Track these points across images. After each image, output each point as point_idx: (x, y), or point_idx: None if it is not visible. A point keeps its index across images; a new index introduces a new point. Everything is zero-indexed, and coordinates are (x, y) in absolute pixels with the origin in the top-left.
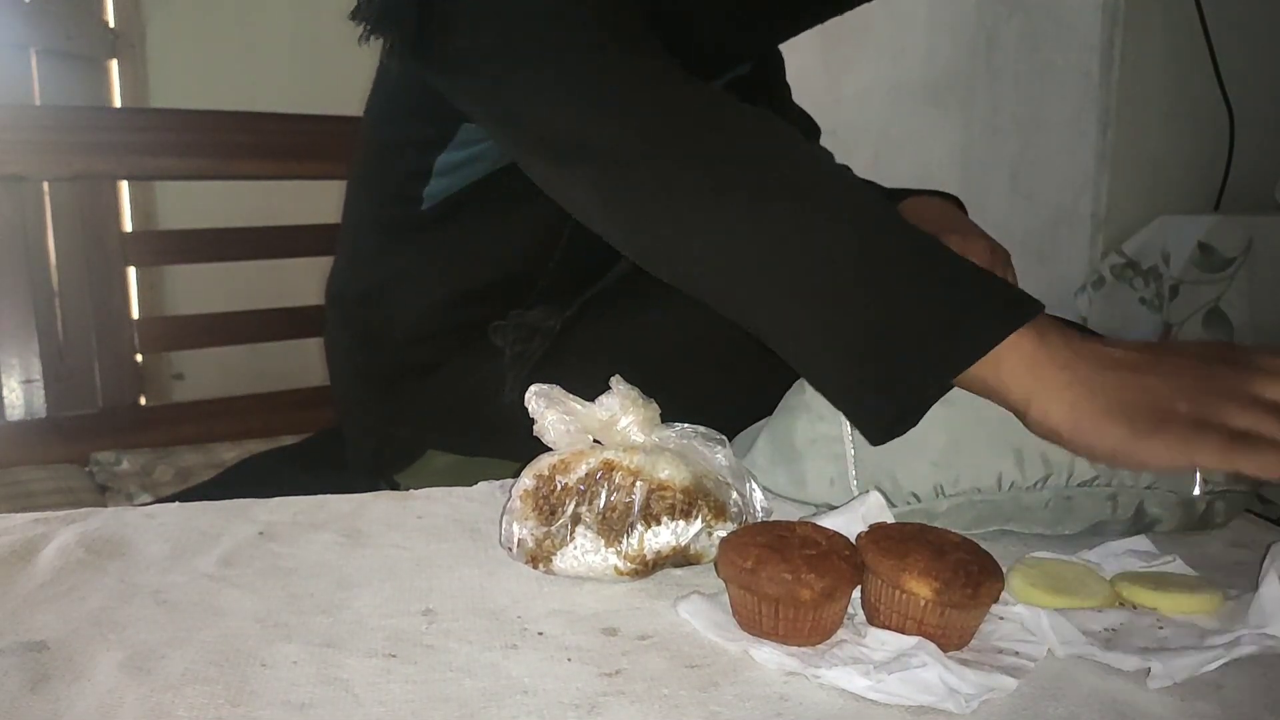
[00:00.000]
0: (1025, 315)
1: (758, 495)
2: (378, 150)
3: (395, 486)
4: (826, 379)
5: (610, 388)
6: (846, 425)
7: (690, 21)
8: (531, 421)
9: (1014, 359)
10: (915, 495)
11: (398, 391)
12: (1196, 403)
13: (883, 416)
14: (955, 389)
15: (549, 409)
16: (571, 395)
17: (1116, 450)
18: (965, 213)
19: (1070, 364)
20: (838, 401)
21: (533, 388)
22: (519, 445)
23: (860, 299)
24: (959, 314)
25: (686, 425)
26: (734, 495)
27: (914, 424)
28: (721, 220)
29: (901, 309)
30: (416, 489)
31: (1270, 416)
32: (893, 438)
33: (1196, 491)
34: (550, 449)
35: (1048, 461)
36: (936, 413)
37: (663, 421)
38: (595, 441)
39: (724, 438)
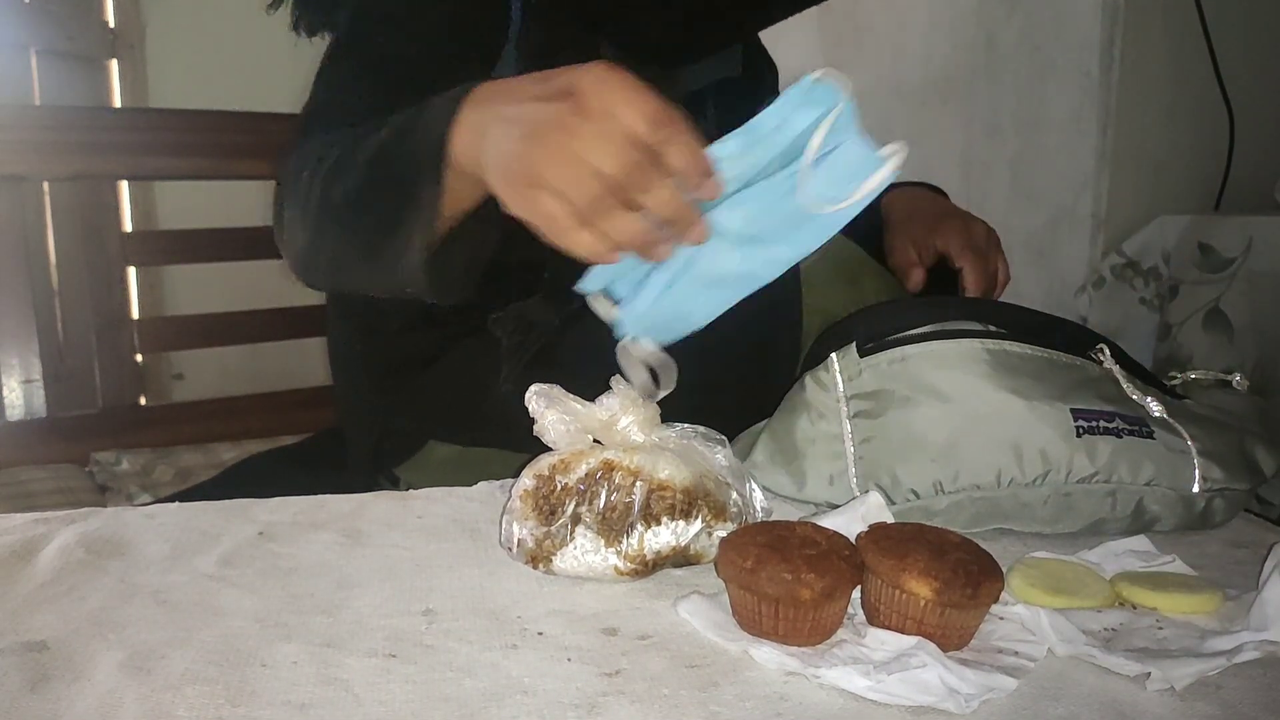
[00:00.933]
0: (461, 93)
1: (758, 495)
2: None
3: (395, 480)
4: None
5: (609, 387)
6: (847, 424)
7: (654, 12)
8: (530, 413)
9: (465, 134)
10: (915, 492)
11: (398, 382)
12: (528, 162)
13: (402, 247)
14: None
15: (549, 408)
16: (571, 395)
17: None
18: (949, 200)
19: (481, 125)
20: (405, 277)
21: (533, 387)
22: (519, 436)
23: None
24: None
25: (686, 425)
26: (734, 495)
27: (425, 237)
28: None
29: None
30: (416, 483)
31: (570, 166)
32: (411, 265)
33: (1195, 489)
34: (550, 448)
35: (1047, 458)
36: (937, 412)
37: (662, 421)
38: (595, 441)
39: (724, 438)
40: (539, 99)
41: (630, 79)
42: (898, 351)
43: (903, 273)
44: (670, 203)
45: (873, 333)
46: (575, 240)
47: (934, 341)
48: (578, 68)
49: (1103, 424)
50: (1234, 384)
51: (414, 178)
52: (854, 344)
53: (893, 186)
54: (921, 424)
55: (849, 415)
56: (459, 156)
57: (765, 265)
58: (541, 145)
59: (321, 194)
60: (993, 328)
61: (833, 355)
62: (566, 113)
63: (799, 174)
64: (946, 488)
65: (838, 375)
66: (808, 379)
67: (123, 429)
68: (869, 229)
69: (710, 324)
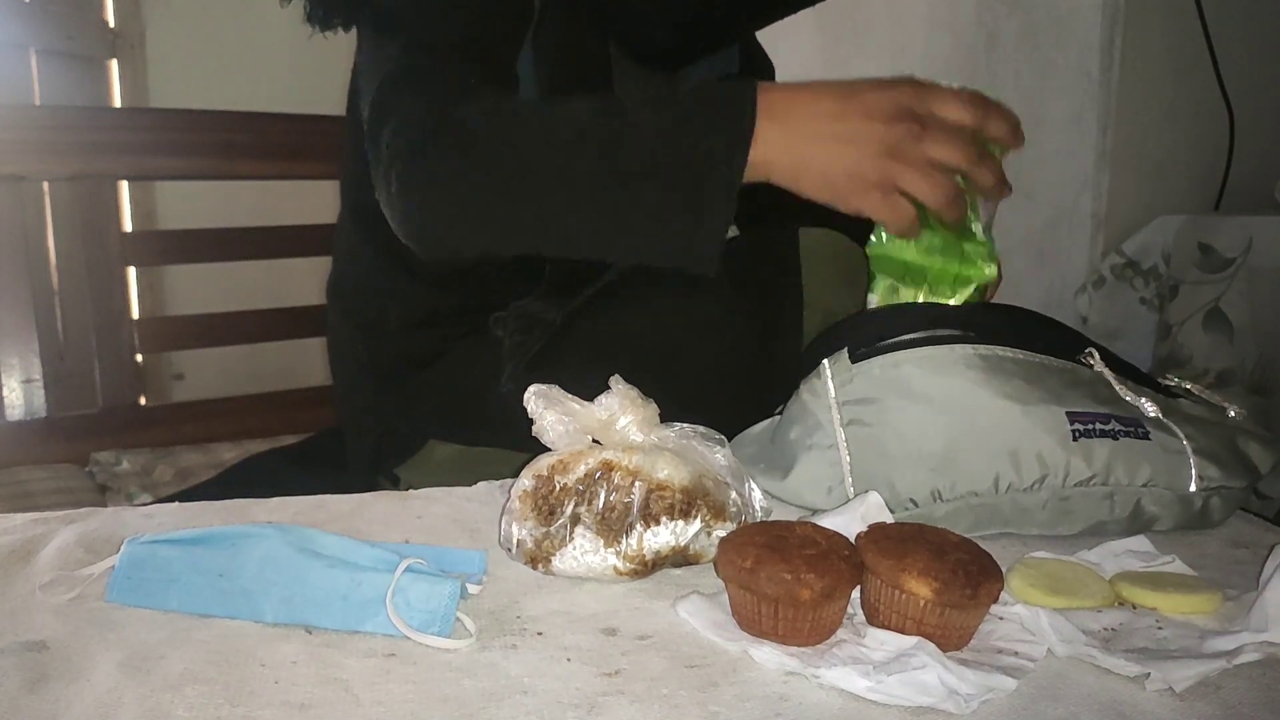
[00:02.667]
0: (750, 106)
1: (757, 495)
2: (357, 137)
3: (395, 480)
4: (646, 243)
5: (609, 387)
6: (841, 433)
7: (659, 14)
8: (530, 413)
9: (761, 148)
10: (913, 501)
11: (398, 382)
12: (881, 171)
13: (699, 239)
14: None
15: (548, 409)
16: (570, 395)
17: (832, 202)
18: None
19: (792, 128)
20: (664, 253)
21: (532, 388)
22: (519, 436)
23: (637, 172)
24: (711, 140)
25: (686, 425)
26: (733, 495)
27: (721, 234)
28: (529, 199)
29: (672, 149)
30: (416, 483)
31: (929, 174)
32: (710, 253)
33: (1192, 488)
34: (549, 449)
35: (1044, 463)
36: (932, 419)
37: (662, 421)
38: (595, 441)
39: (723, 438)
40: (868, 118)
41: (931, 83)
42: (890, 357)
43: None
44: (994, 171)
45: (864, 338)
46: (908, 235)
47: (926, 347)
48: (883, 84)
49: (1098, 426)
50: (1232, 415)
51: (705, 175)
52: (845, 350)
53: None
54: (916, 432)
55: (843, 423)
56: (759, 160)
57: None
58: (897, 159)
59: (550, 177)
60: (983, 334)
61: (824, 361)
62: (913, 131)
63: None
64: (945, 495)
65: (829, 381)
66: (802, 387)
67: (123, 429)
68: (868, 224)
69: (708, 323)
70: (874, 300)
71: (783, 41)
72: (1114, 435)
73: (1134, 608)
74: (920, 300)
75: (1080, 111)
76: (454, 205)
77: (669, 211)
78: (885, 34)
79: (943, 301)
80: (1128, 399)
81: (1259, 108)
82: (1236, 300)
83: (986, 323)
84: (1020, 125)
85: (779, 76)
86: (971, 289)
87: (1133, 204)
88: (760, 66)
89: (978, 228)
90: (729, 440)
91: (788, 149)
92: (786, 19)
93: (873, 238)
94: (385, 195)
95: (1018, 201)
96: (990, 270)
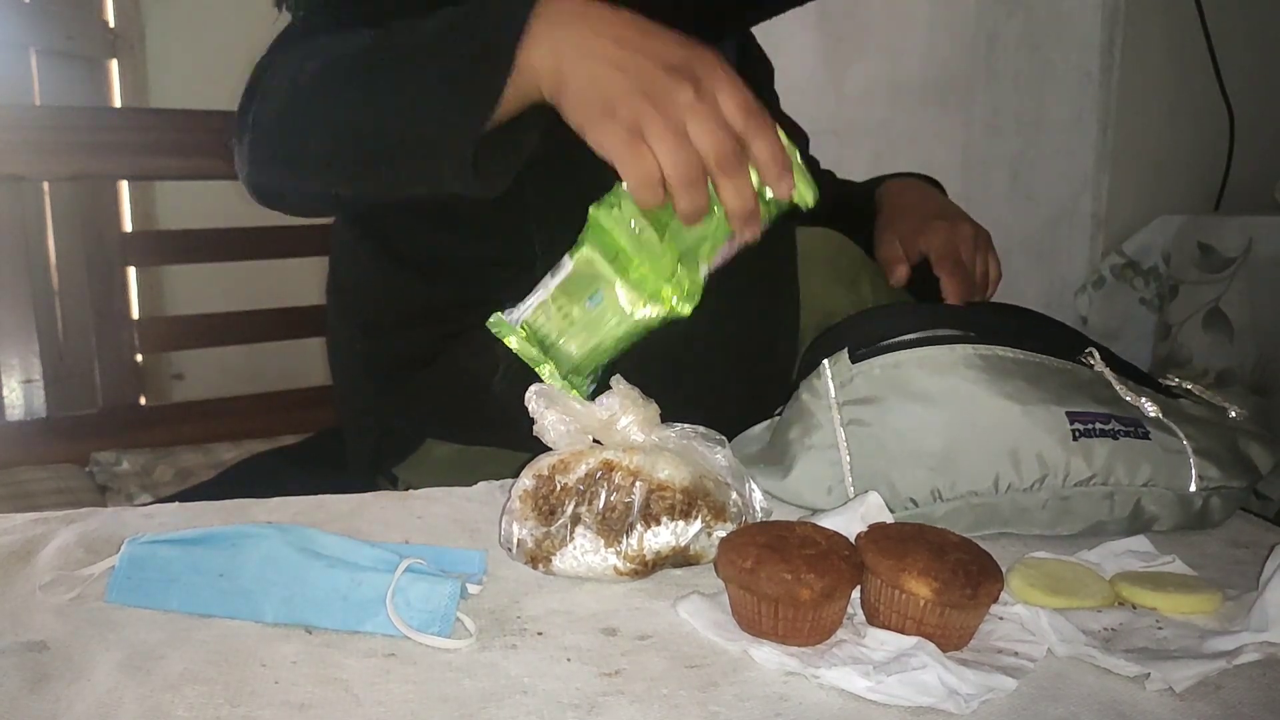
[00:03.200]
0: (526, 6)
1: (757, 496)
2: None
3: (394, 480)
4: (412, 150)
5: (611, 387)
6: (841, 433)
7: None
8: (524, 411)
9: (532, 50)
10: (913, 500)
11: (396, 381)
12: (633, 109)
13: (458, 131)
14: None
15: (549, 408)
16: (570, 394)
17: (582, 128)
18: (945, 194)
19: (563, 54)
20: (430, 155)
21: (533, 387)
22: (517, 435)
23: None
24: (481, 34)
25: (686, 425)
26: (734, 495)
27: (478, 127)
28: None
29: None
30: (415, 483)
31: (679, 139)
32: (465, 147)
33: (1192, 488)
34: (549, 449)
35: (1044, 462)
36: (932, 418)
37: (661, 421)
38: (595, 442)
39: (724, 438)
40: (651, 57)
41: (731, 70)
42: (890, 357)
43: (888, 267)
44: (743, 191)
45: (864, 338)
46: (643, 192)
47: (926, 347)
48: (687, 41)
49: (1099, 426)
50: (1232, 415)
51: (475, 66)
52: (845, 350)
53: (889, 176)
54: (917, 431)
55: (843, 423)
56: (527, 61)
57: None
58: (654, 104)
59: (333, 74)
60: (983, 334)
61: (824, 362)
62: (683, 87)
63: None
64: (945, 495)
65: (830, 381)
66: (801, 387)
67: (123, 429)
68: (862, 218)
69: (708, 324)
70: (568, 264)
71: (783, 42)
72: (1114, 435)
73: (1134, 608)
74: (606, 295)
75: (1080, 111)
76: (258, 146)
77: (432, 100)
78: (885, 34)
79: (626, 308)
80: (1128, 399)
81: (1259, 108)
82: (1236, 300)
83: (986, 323)
84: (790, 172)
85: (779, 77)
86: (654, 313)
87: (1133, 204)
88: (756, 65)
89: (703, 263)
90: (728, 440)
91: (556, 56)
92: (786, 19)
93: (606, 196)
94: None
95: (1018, 201)
96: (684, 309)
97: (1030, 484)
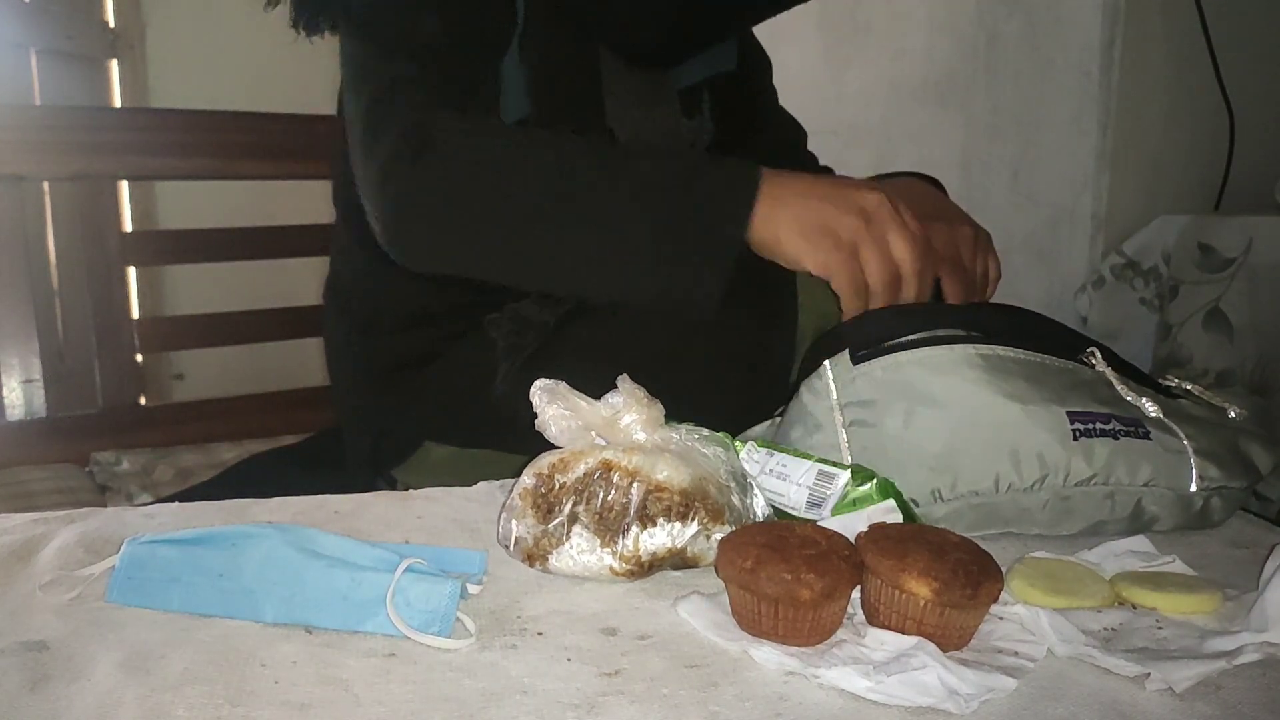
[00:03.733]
0: (754, 184)
1: (759, 500)
2: (342, 140)
3: (393, 482)
4: (642, 283)
5: (612, 386)
6: (843, 434)
7: (646, 15)
8: (526, 413)
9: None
10: (914, 501)
11: (395, 382)
12: (852, 230)
13: (697, 288)
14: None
15: (551, 403)
16: (576, 391)
17: (798, 256)
18: (945, 194)
19: (785, 200)
20: (663, 295)
21: (538, 382)
22: (516, 437)
23: (636, 215)
24: (714, 202)
25: (690, 426)
26: (734, 499)
27: (719, 289)
28: (535, 238)
29: (672, 209)
30: (413, 484)
31: (882, 259)
32: (711, 304)
33: (1193, 488)
34: (551, 444)
35: (1044, 462)
36: (933, 418)
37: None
38: (601, 440)
39: (727, 440)
40: (855, 193)
41: (899, 212)
42: (891, 359)
43: None
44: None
45: (865, 340)
46: (857, 290)
47: (927, 348)
48: (861, 190)
49: (1099, 426)
50: (1232, 415)
51: (718, 228)
52: (846, 351)
53: (889, 176)
54: (918, 432)
55: (844, 424)
56: (750, 237)
57: None
58: (869, 224)
59: (543, 187)
60: (984, 334)
61: (826, 363)
62: (888, 214)
63: None
64: (945, 495)
65: (831, 383)
66: (802, 388)
67: (123, 429)
68: None
69: (704, 325)
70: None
71: (783, 41)
72: (1114, 435)
73: (1134, 607)
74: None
75: (1080, 111)
76: (433, 223)
77: (665, 255)
78: (885, 35)
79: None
80: (1129, 399)
81: (1259, 108)
82: (1236, 300)
83: (987, 323)
84: (973, 287)
85: (779, 77)
86: None
87: (1133, 204)
88: (756, 64)
89: None
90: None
91: (773, 228)
92: (786, 20)
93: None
94: (370, 203)
95: (1018, 201)
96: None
97: (1031, 484)
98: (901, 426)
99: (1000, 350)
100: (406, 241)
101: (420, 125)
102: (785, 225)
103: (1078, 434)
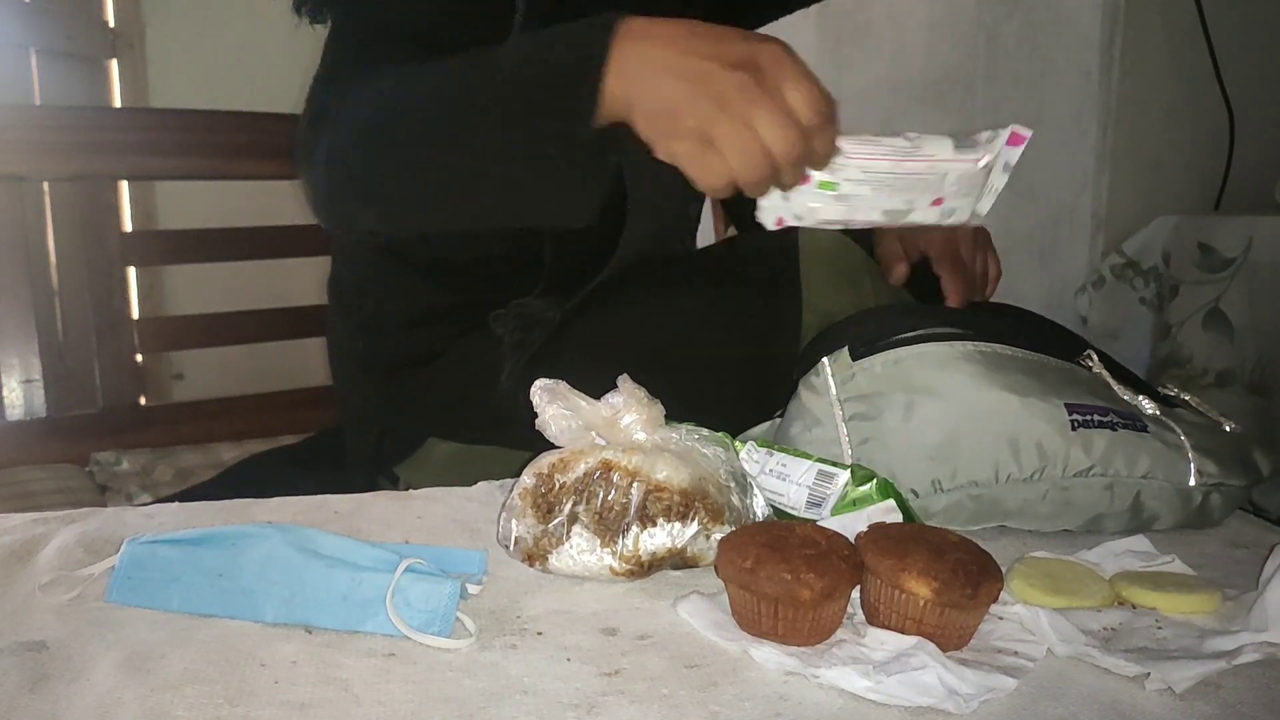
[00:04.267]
0: (601, 53)
1: (759, 502)
2: None
3: (395, 480)
4: (515, 200)
5: (616, 384)
6: (843, 427)
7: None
8: (530, 410)
9: (612, 79)
10: (914, 491)
11: (398, 380)
12: (699, 117)
13: (563, 193)
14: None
15: (552, 403)
16: (576, 391)
17: (649, 143)
18: None
19: (639, 74)
20: (538, 209)
21: (538, 382)
22: (519, 434)
23: (495, 126)
24: (560, 89)
25: (690, 427)
26: (733, 499)
27: (588, 190)
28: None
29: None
30: (415, 482)
31: (746, 138)
32: (583, 208)
33: (1191, 482)
34: (550, 445)
35: (1043, 452)
36: (932, 409)
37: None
38: (601, 440)
39: (727, 441)
40: (713, 59)
41: (801, 62)
42: (890, 354)
43: (887, 266)
44: (799, 178)
45: (864, 337)
46: (715, 187)
47: (927, 344)
48: (751, 37)
49: (1097, 418)
50: (1227, 430)
51: (562, 97)
52: (846, 348)
53: None
54: (917, 423)
55: (844, 418)
56: (608, 87)
57: None
58: (719, 109)
59: (418, 112)
60: (981, 334)
61: (824, 360)
62: (747, 84)
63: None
64: (945, 485)
65: (830, 379)
66: (801, 386)
67: (123, 429)
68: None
69: (708, 323)
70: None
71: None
72: (1112, 426)
73: (1134, 607)
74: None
75: (1080, 111)
76: (333, 185)
77: (524, 163)
78: (885, 35)
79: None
80: (1125, 398)
81: (1259, 108)
82: (1236, 300)
83: (985, 322)
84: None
85: None
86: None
87: (1133, 204)
88: None
89: None
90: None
91: (626, 79)
92: (786, 20)
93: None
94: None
95: (1018, 201)
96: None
97: (1030, 474)
98: (901, 419)
99: (998, 347)
100: (318, 208)
101: (322, 93)
102: (637, 106)
103: (1076, 424)
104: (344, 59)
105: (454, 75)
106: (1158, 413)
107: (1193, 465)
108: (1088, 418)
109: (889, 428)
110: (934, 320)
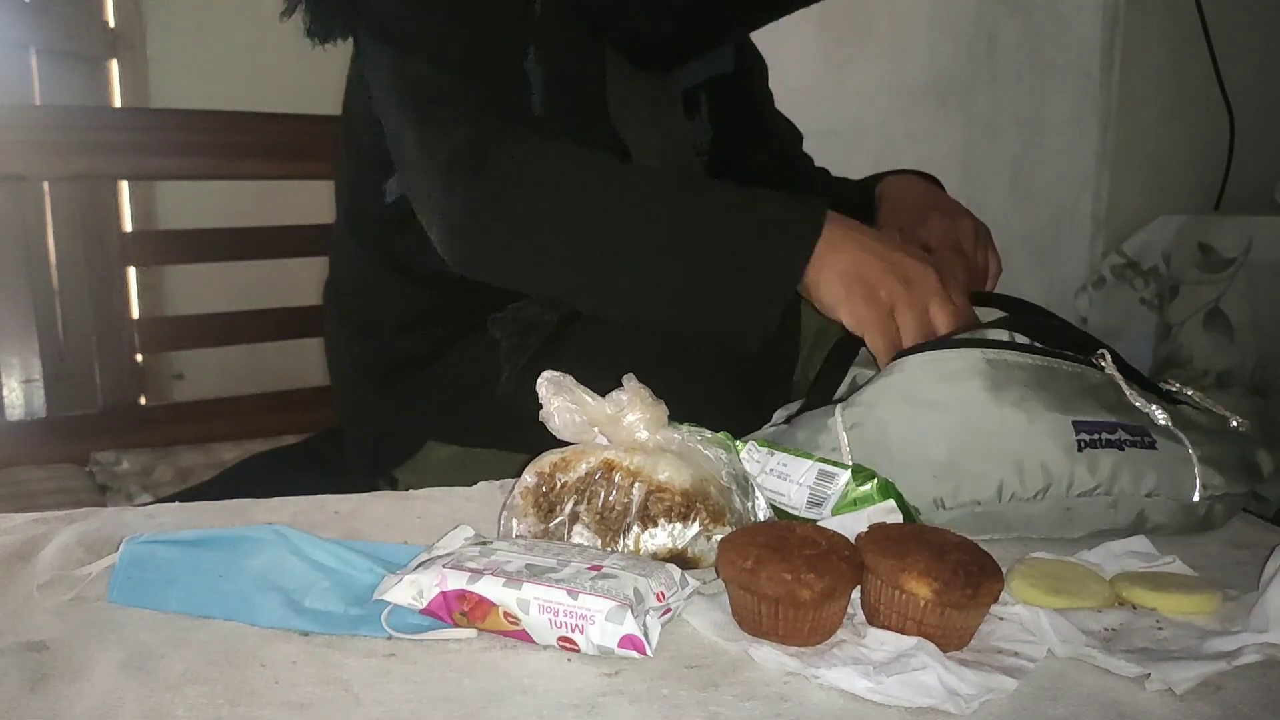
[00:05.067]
0: (817, 227)
1: (760, 502)
2: (353, 142)
3: (394, 483)
4: (696, 315)
5: (608, 390)
6: (844, 437)
7: (652, 16)
8: (529, 412)
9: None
10: (915, 509)
11: (396, 383)
12: (892, 291)
13: (749, 326)
14: None
15: (556, 395)
16: (581, 386)
17: (834, 304)
18: (944, 190)
19: (839, 246)
20: (710, 324)
21: (544, 374)
22: (517, 436)
23: (696, 247)
24: (775, 240)
25: (693, 427)
26: (735, 500)
27: (772, 323)
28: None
29: (731, 243)
30: (414, 485)
31: (919, 325)
32: (761, 338)
33: (1195, 497)
34: (553, 436)
35: (1048, 472)
36: (937, 425)
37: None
38: (603, 438)
39: (729, 442)
40: (902, 253)
41: (942, 285)
42: (897, 363)
43: None
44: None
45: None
46: (885, 356)
47: (934, 350)
48: (913, 257)
49: (1104, 436)
50: (1234, 424)
51: (777, 266)
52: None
53: (888, 172)
54: (920, 438)
55: (846, 427)
56: (805, 279)
57: None
58: (907, 287)
59: (608, 213)
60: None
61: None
62: (931, 275)
63: None
64: (947, 504)
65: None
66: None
67: (123, 429)
68: (863, 213)
69: None
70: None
71: (783, 42)
72: (1120, 445)
73: (1134, 608)
74: None
75: (1080, 111)
76: (494, 238)
77: (721, 289)
78: (886, 35)
79: None
80: (1137, 404)
81: (1259, 108)
82: (1236, 300)
83: (1003, 321)
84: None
85: (780, 78)
86: None
87: (1133, 204)
88: (752, 65)
89: None
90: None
91: (819, 271)
92: (787, 21)
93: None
94: (430, 214)
95: (1018, 201)
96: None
97: (1034, 493)
98: (904, 432)
99: (1008, 356)
100: (466, 252)
101: (478, 139)
102: (829, 270)
103: (1082, 445)
104: (453, 93)
105: (655, 195)
106: (1169, 422)
107: (1199, 480)
108: (1095, 436)
109: (892, 441)
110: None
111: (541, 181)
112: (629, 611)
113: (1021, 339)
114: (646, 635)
